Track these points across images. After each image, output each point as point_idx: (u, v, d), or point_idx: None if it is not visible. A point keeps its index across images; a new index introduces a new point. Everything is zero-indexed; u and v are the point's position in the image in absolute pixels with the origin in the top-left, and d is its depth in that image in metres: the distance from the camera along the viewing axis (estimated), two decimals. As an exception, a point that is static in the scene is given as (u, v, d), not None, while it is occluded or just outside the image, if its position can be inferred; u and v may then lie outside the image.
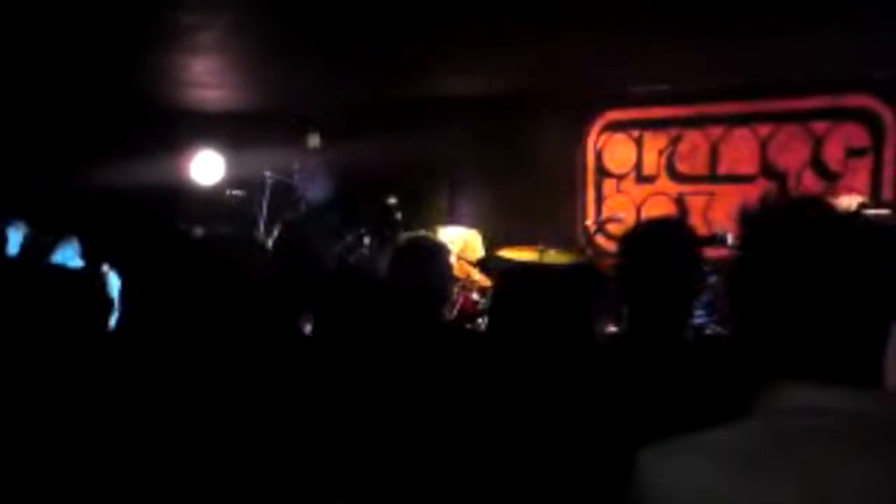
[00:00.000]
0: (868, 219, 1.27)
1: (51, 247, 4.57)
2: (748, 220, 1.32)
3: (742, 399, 1.21)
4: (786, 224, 1.25)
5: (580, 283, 2.32)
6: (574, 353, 2.24)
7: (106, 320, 2.80)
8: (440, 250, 2.94)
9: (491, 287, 5.85)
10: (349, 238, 6.88)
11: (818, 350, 1.17)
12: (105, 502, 2.26)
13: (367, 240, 6.89)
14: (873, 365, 1.18)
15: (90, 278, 2.88)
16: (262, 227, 7.56)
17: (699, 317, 5.02)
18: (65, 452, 2.31)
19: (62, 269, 3.92)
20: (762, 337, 1.21)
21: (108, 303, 2.89)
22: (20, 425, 2.34)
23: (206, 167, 8.87)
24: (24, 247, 4.72)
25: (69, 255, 4.59)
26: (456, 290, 5.91)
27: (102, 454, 2.31)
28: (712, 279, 5.75)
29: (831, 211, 1.24)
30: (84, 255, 4.76)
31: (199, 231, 3.54)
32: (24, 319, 2.62)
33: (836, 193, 6.01)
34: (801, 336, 1.18)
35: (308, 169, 8.28)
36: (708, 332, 5.02)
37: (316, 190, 8.20)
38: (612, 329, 2.81)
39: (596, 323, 2.48)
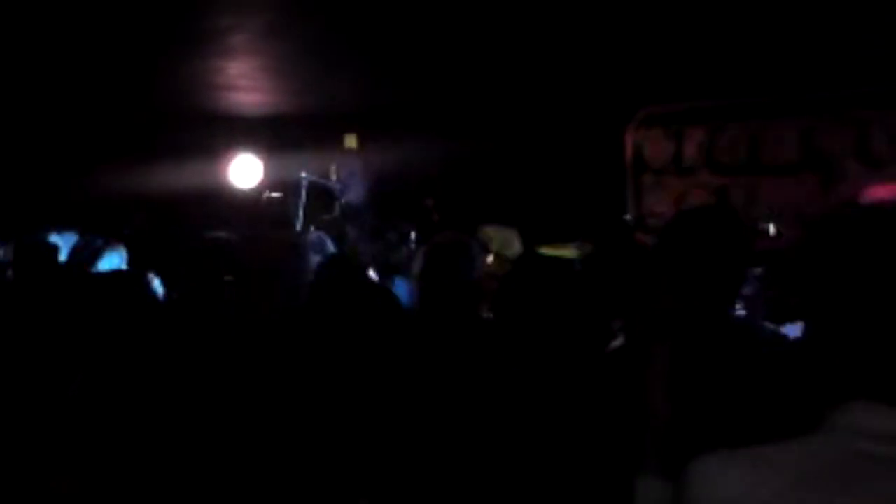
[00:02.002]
0: None
1: (98, 253, 4.62)
2: (828, 227, 1.25)
3: (805, 412, 1.17)
4: (870, 232, 1.18)
5: (590, 274, 2.29)
6: (599, 347, 2.21)
7: (152, 320, 2.83)
8: (473, 248, 2.92)
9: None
10: (391, 237, 6.88)
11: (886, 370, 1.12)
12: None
13: (413, 235, 6.88)
14: None
15: (135, 280, 2.91)
16: (298, 229, 7.59)
17: (739, 310, 4.94)
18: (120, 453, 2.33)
19: (110, 273, 3.97)
20: (836, 352, 1.16)
21: (154, 303, 2.91)
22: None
23: (245, 170, 8.94)
24: (73, 254, 4.77)
25: (116, 262, 4.63)
26: (494, 287, 5.87)
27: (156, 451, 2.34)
28: (756, 271, 5.66)
29: None
30: (129, 261, 4.80)
31: (225, 235, 3.55)
32: (76, 322, 2.66)
33: (883, 181, 5.88)
34: (879, 355, 1.12)
35: (346, 171, 8.30)
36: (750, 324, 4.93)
37: (354, 192, 8.21)
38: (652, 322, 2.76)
39: (607, 313, 2.44)
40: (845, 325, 1.15)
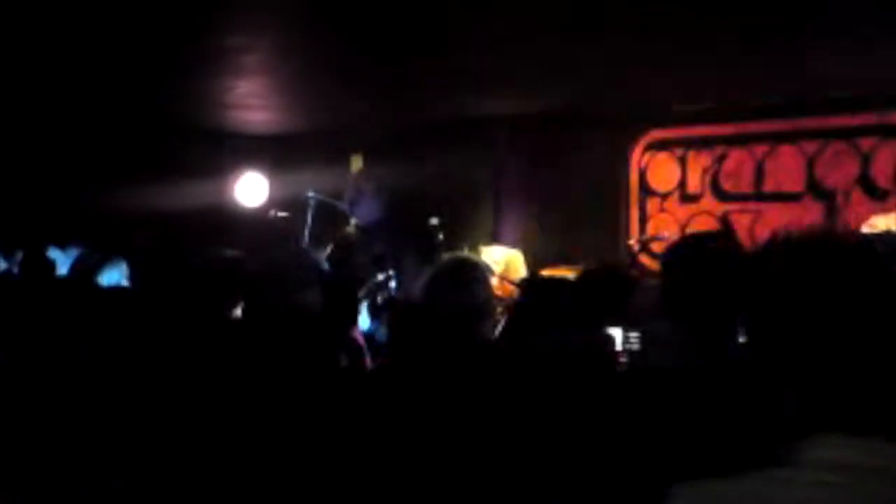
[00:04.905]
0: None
1: (97, 267, 4.63)
2: (768, 256, 1.27)
3: (774, 442, 1.19)
4: (808, 259, 1.20)
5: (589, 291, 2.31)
6: (605, 370, 2.22)
7: (157, 336, 2.84)
8: (479, 271, 2.92)
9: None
10: (380, 277, 6.90)
11: (850, 401, 1.14)
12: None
13: (392, 284, 6.91)
14: None
15: (143, 296, 2.93)
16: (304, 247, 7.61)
17: (743, 336, 4.95)
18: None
19: (112, 288, 3.99)
20: (790, 385, 1.18)
21: (160, 319, 2.92)
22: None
23: (251, 189, 8.98)
24: (73, 268, 4.79)
25: (116, 277, 4.64)
26: (500, 310, 5.89)
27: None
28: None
29: (850, 246, 1.20)
30: (133, 277, 4.81)
31: (227, 253, 3.57)
32: (72, 336, 2.67)
33: (885, 212, 5.89)
34: (830, 385, 1.14)
35: (354, 190, 8.33)
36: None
37: (362, 212, 8.24)
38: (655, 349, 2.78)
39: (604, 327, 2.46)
40: (795, 357, 1.17)
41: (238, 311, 3.33)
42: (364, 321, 5.00)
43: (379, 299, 6.59)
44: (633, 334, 3.46)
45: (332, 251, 7.45)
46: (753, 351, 1.25)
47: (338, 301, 3.32)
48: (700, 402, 2.02)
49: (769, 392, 1.27)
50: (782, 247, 1.24)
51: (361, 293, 5.94)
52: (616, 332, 3.02)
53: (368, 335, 4.69)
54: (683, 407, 2.02)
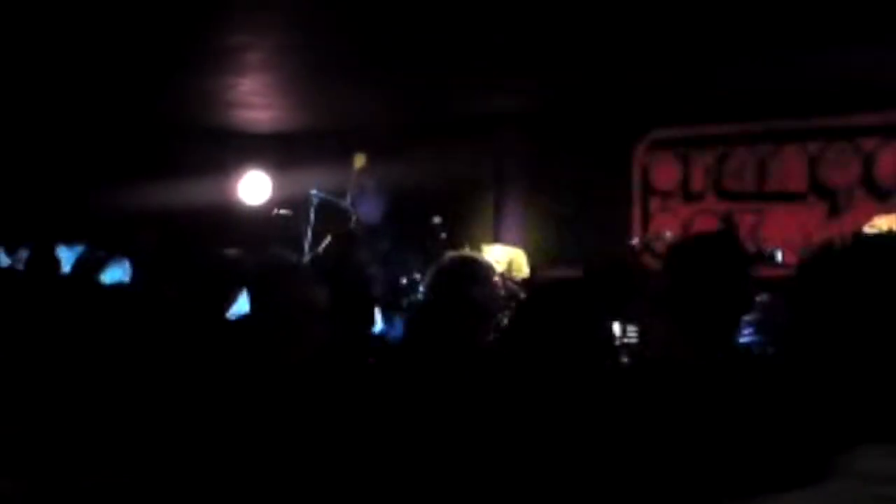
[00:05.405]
0: None
1: (100, 265, 4.64)
2: (813, 266, 1.22)
3: (812, 452, 1.15)
4: (857, 267, 1.17)
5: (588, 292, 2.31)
6: (602, 372, 2.22)
7: (159, 334, 2.84)
8: (481, 269, 2.92)
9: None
10: (404, 280, 6.88)
11: None
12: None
13: (418, 278, 6.88)
14: None
15: (145, 295, 2.94)
16: (307, 245, 7.61)
17: (746, 335, 4.93)
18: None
19: (116, 286, 4.00)
20: (836, 395, 1.15)
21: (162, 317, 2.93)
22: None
23: (254, 187, 8.98)
24: (77, 266, 4.80)
25: (119, 275, 4.65)
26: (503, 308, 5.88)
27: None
28: (762, 298, 5.66)
29: None
30: (136, 276, 4.82)
31: (229, 252, 3.56)
32: (78, 334, 2.67)
33: (888, 212, 5.88)
34: (882, 395, 1.12)
35: (357, 188, 8.33)
36: (756, 351, 4.93)
37: (365, 210, 8.23)
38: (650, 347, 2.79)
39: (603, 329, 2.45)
40: (845, 364, 1.13)
41: (243, 309, 3.34)
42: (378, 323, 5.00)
43: (404, 302, 6.57)
44: (632, 328, 3.45)
45: (329, 245, 7.44)
46: (795, 355, 1.22)
47: (351, 301, 3.31)
48: (713, 404, 2.01)
49: (800, 397, 1.23)
50: (840, 250, 1.21)
51: (377, 294, 5.94)
52: (614, 327, 3.02)
53: (380, 336, 4.68)
54: (697, 408, 2.01)
